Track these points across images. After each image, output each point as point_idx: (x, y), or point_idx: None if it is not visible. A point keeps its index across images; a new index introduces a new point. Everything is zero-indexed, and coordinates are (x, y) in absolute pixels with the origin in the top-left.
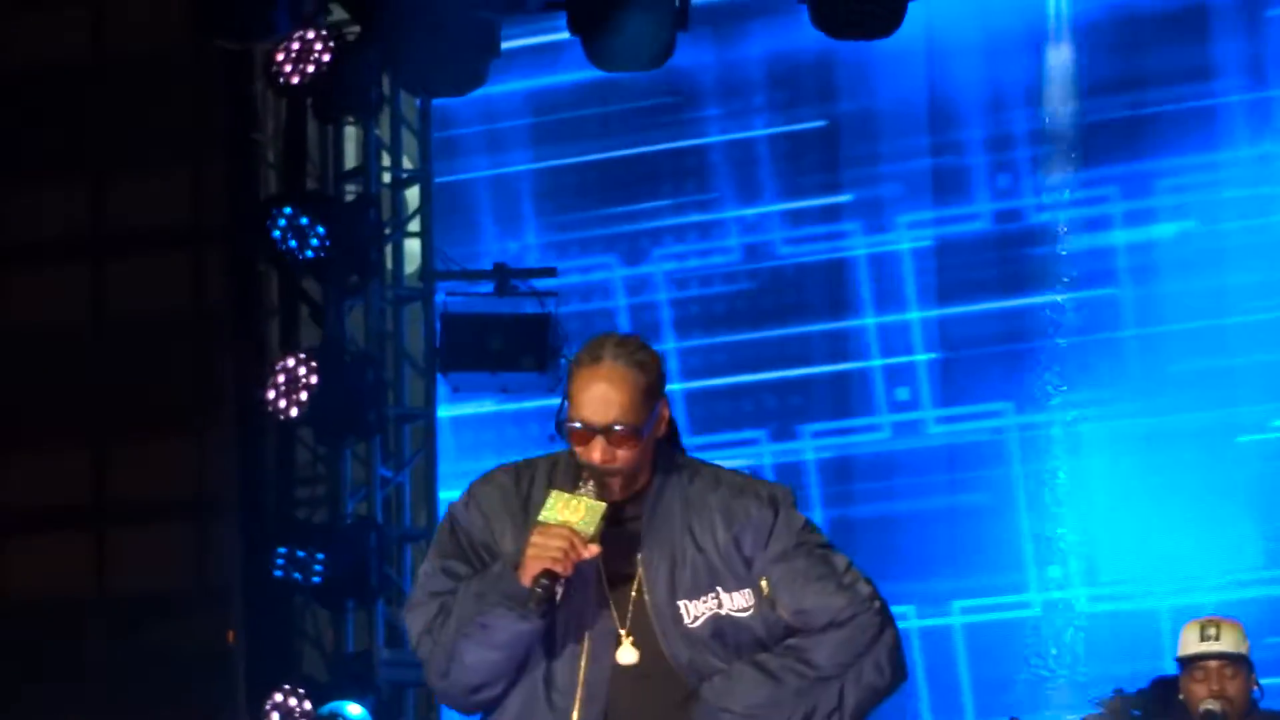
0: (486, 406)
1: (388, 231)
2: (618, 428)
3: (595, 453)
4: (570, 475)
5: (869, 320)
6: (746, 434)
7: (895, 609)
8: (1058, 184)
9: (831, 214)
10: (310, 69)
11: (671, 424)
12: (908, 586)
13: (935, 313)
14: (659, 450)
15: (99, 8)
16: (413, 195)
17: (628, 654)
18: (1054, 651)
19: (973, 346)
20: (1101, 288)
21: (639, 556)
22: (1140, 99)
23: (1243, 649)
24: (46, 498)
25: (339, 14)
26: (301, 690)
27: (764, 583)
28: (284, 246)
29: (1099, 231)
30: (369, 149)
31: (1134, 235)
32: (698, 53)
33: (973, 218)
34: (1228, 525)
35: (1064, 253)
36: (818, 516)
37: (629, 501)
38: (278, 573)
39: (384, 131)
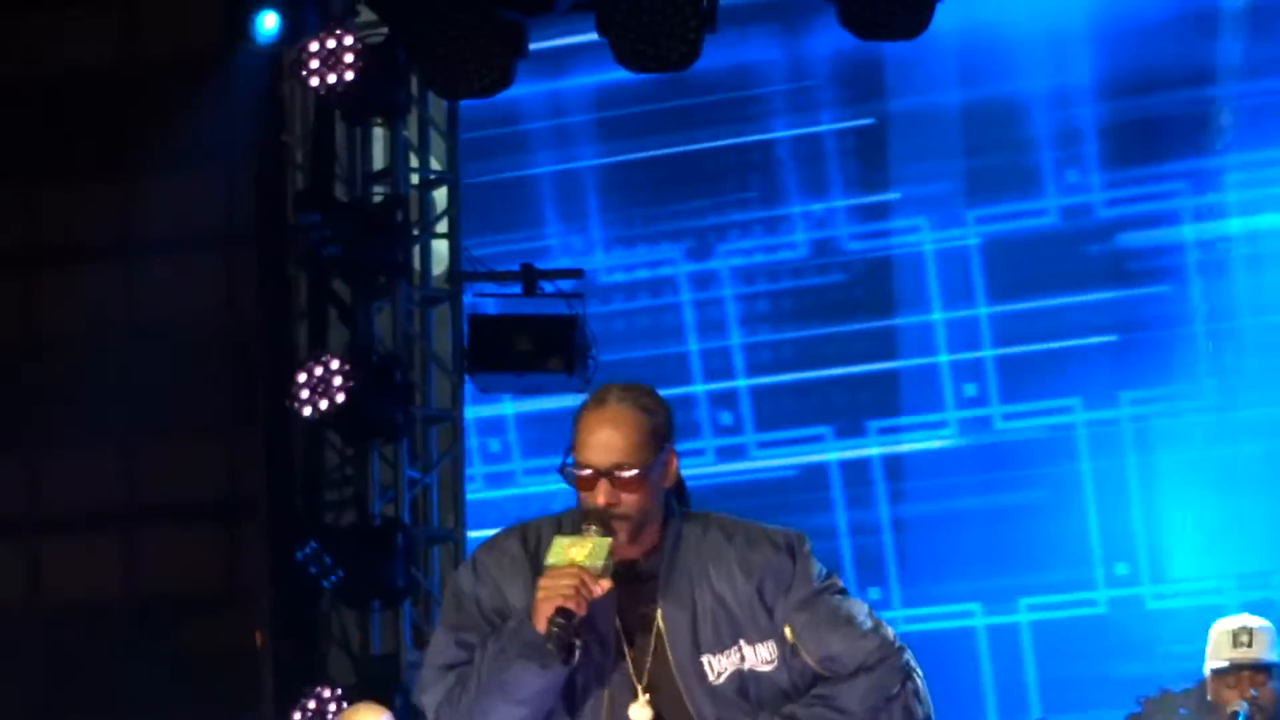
0: (512, 408)
1: (415, 233)
2: (622, 471)
3: (600, 496)
4: (576, 528)
5: (936, 316)
6: (812, 430)
7: (961, 607)
8: (1126, 179)
9: (899, 209)
10: (338, 71)
11: (679, 479)
12: (974, 584)
13: (1003, 308)
14: (669, 504)
15: (130, 11)
16: (440, 196)
17: (640, 713)
18: (1121, 650)
19: (1040, 342)
20: (1171, 283)
21: (657, 612)
22: (1209, 93)
23: (1274, 655)
24: (78, 499)
25: (367, 15)
26: (330, 694)
27: (788, 630)
28: (313, 249)
29: (1168, 226)
30: (396, 150)
31: (1203, 230)
32: (765, 48)
33: (1041, 213)
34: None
35: (1133, 247)
36: (882, 514)
37: (643, 557)
38: (305, 574)
39: (412, 133)
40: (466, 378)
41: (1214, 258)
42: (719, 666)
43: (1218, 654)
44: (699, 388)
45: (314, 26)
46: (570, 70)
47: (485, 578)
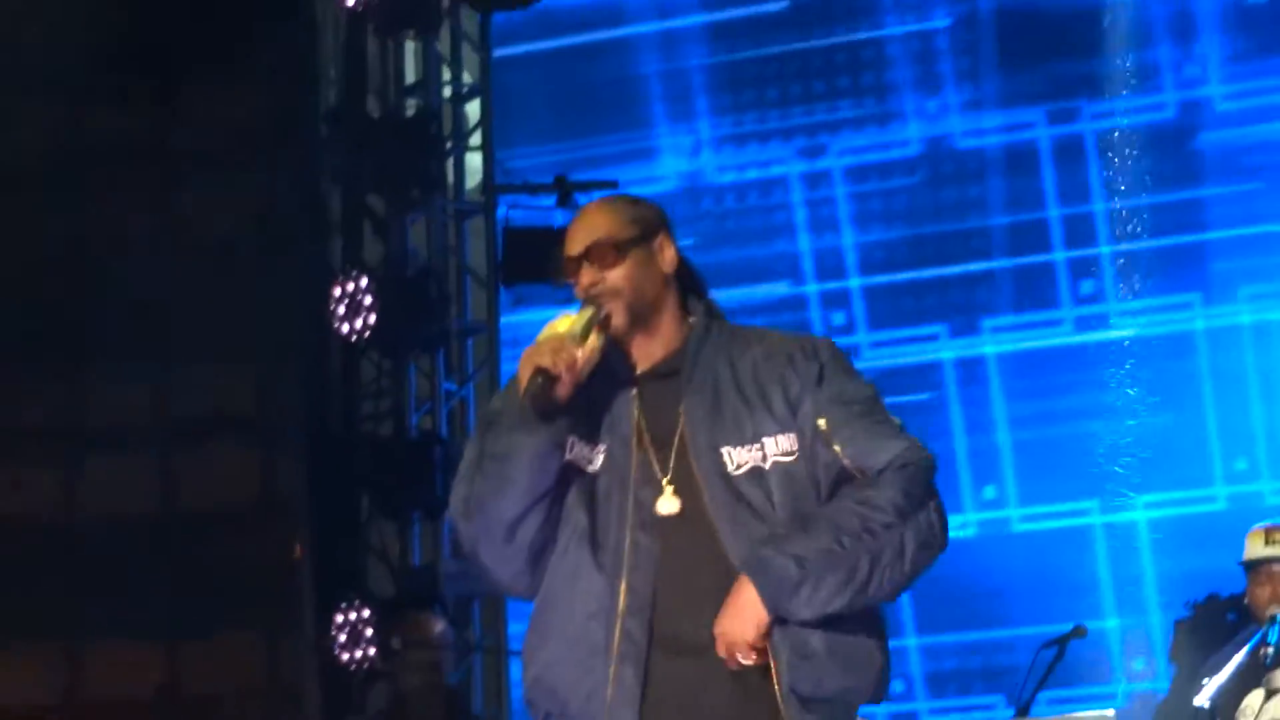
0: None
1: (449, 146)
2: (599, 246)
3: (584, 278)
4: None
5: (1052, 212)
6: (927, 329)
7: (1080, 504)
8: (1244, 73)
9: (1012, 103)
10: None
11: (698, 278)
12: (1091, 483)
13: (1120, 204)
14: (690, 303)
15: None
16: (473, 109)
17: (668, 504)
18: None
19: (1158, 237)
20: None
21: (680, 406)
22: None
23: None
24: (114, 418)
25: None
26: (366, 607)
27: (822, 421)
28: (346, 163)
29: None
30: (429, 64)
31: None
32: None
33: (1159, 108)
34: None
35: (1250, 141)
36: (1000, 412)
37: (668, 356)
38: (343, 487)
39: (444, 46)
40: (501, 289)
41: None
42: (738, 459)
43: (1249, 551)
44: (811, 288)
45: None
46: None
47: (509, 387)
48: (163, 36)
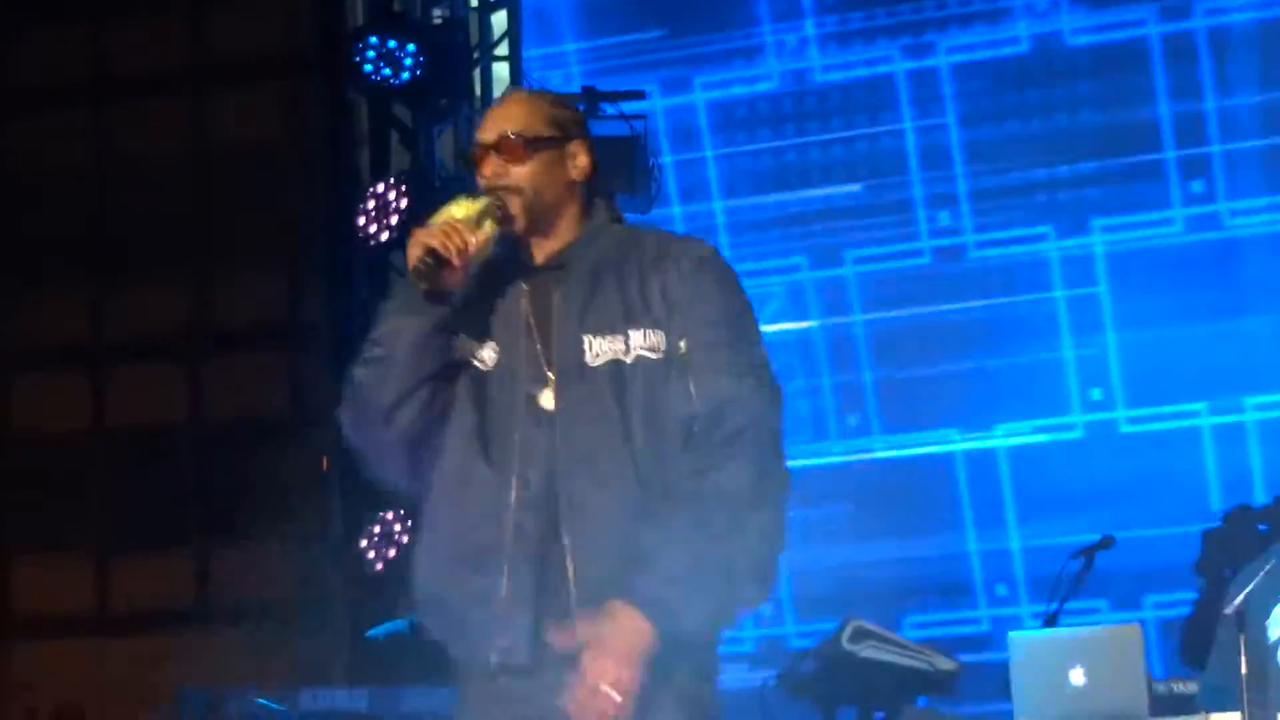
0: None
1: (476, 55)
2: (507, 135)
3: (487, 168)
4: None
5: (1163, 110)
6: (1035, 229)
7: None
8: None
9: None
10: None
11: (609, 195)
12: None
13: (1232, 102)
14: (590, 206)
15: None
16: (500, 19)
17: (547, 397)
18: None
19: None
20: None
21: (570, 293)
22: None
23: None
24: (145, 328)
25: None
26: (393, 516)
27: (684, 344)
28: (374, 74)
29: None
30: None
31: None
32: None
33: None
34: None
35: None
36: (1105, 311)
37: (562, 250)
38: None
39: None
40: None
41: None
42: (597, 348)
43: None
44: (918, 191)
45: None
46: None
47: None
48: None
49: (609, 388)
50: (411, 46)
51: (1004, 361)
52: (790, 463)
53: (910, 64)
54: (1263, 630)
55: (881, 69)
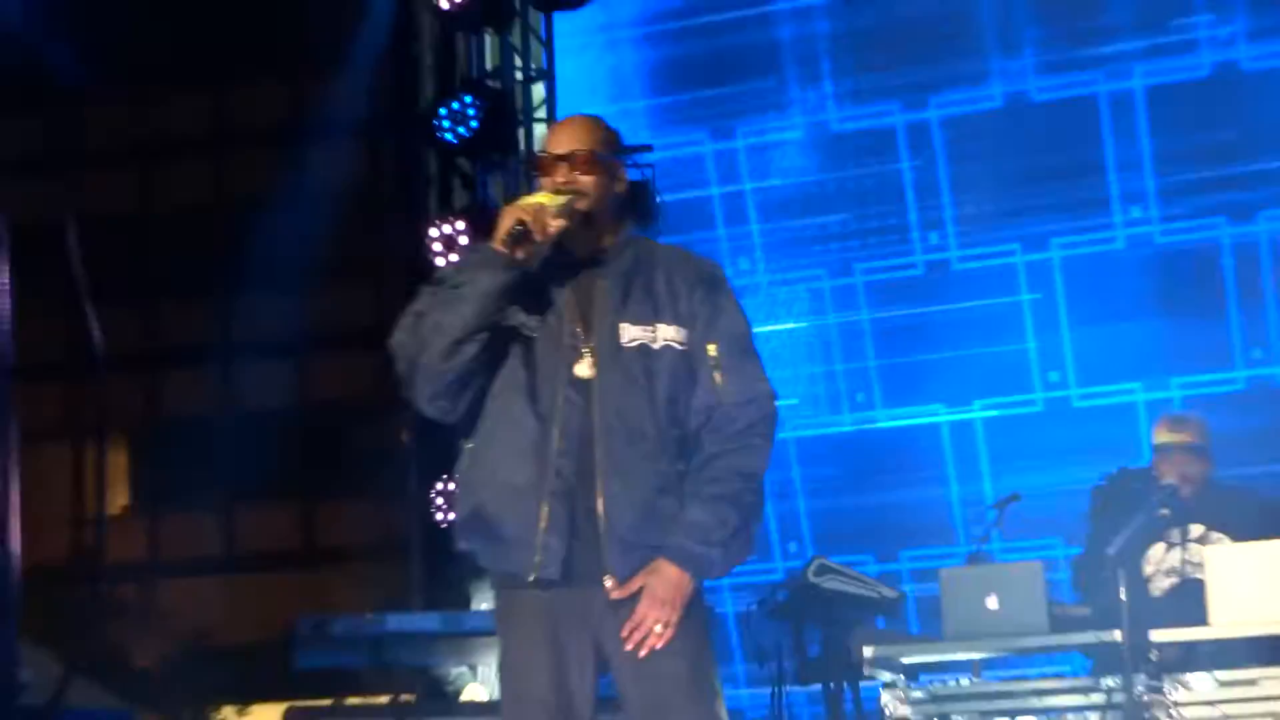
0: None
1: (520, 118)
2: (579, 150)
3: (559, 175)
4: None
5: (1108, 151)
6: (1006, 246)
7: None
8: None
9: (1069, 68)
10: None
11: (649, 208)
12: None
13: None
14: (626, 220)
15: None
16: (539, 90)
17: (584, 369)
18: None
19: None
20: None
21: (611, 284)
22: None
23: (1202, 440)
24: (262, 332)
25: None
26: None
27: (711, 348)
28: (442, 132)
29: None
30: (504, 54)
31: None
32: None
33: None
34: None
35: None
36: (1060, 311)
37: (603, 251)
38: None
39: (516, 39)
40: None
41: None
42: (630, 334)
43: (1157, 436)
44: (912, 215)
45: None
46: None
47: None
48: (298, 36)
49: (638, 364)
50: (471, 111)
51: (980, 350)
52: (810, 432)
53: (907, 117)
54: (1138, 567)
55: (885, 121)
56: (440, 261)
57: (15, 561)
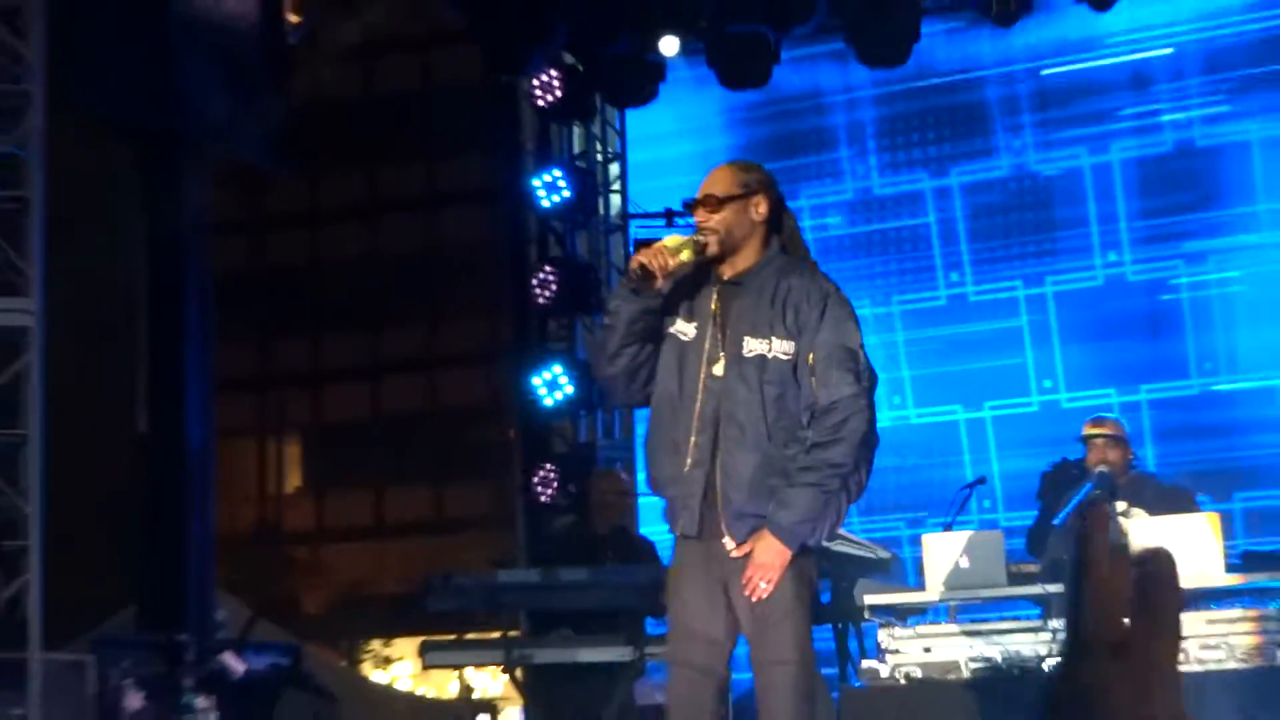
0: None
1: (600, 191)
2: (708, 196)
3: (697, 215)
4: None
5: (1090, 210)
6: (1009, 281)
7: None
8: None
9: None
10: (551, 94)
11: (795, 232)
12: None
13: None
14: (769, 244)
15: (426, 55)
16: (615, 168)
17: (719, 369)
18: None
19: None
20: None
21: (740, 304)
22: None
23: (1118, 433)
24: (402, 354)
25: (569, 58)
26: (553, 467)
27: (811, 356)
28: (541, 199)
29: None
30: (588, 140)
31: None
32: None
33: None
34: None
35: None
36: (1053, 332)
37: (743, 273)
38: (541, 396)
39: (597, 128)
40: None
41: None
42: (750, 345)
43: (1085, 431)
44: (938, 258)
45: (539, 65)
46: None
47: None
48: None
49: (755, 371)
50: (563, 184)
51: (989, 364)
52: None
53: (934, 183)
54: (1077, 535)
55: (916, 186)
56: (539, 298)
57: (213, 529)
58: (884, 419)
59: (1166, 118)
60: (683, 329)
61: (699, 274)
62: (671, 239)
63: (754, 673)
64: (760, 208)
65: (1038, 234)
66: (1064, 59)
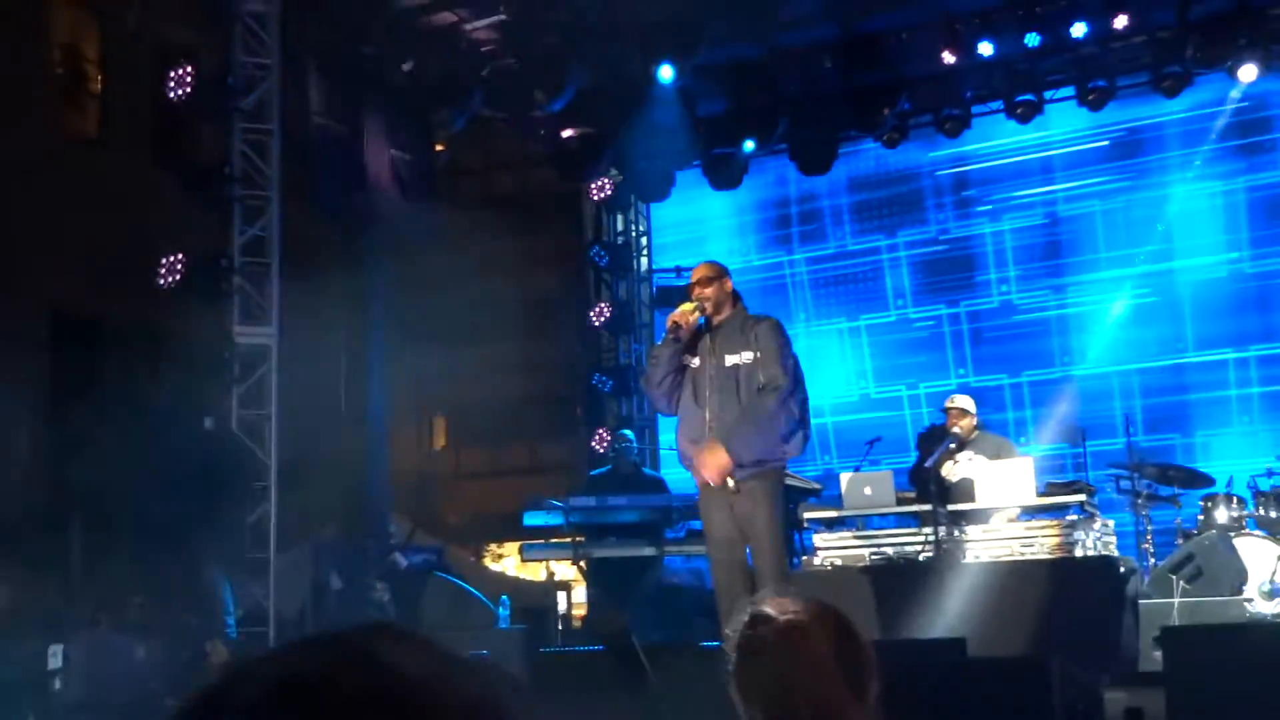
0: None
1: (634, 254)
2: (702, 277)
3: (695, 291)
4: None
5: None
6: (946, 307)
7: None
8: None
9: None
10: (604, 194)
11: (738, 295)
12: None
13: None
14: (734, 306)
15: (524, 171)
16: (644, 241)
17: (715, 377)
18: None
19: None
20: None
21: (722, 339)
22: None
23: (967, 405)
24: (504, 361)
25: (614, 172)
26: (605, 431)
27: (763, 355)
28: (597, 259)
29: None
30: (628, 223)
31: None
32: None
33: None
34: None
35: None
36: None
37: (723, 319)
38: (598, 386)
39: (631, 214)
40: (656, 310)
41: None
42: (731, 360)
43: (947, 403)
44: (910, 312)
45: (595, 175)
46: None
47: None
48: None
49: (734, 375)
50: (606, 252)
51: (923, 358)
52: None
53: (887, 241)
54: (940, 476)
55: (875, 243)
56: (597, 323)
57: (387, 472)
58: (852, 393)
59: (1039, 198)
60: (691, 362)
61: (697, 334)
62: (686, 305)
63: (752, 554)
64: (727, 285)
65: (954, 274)
66: (976, 160)
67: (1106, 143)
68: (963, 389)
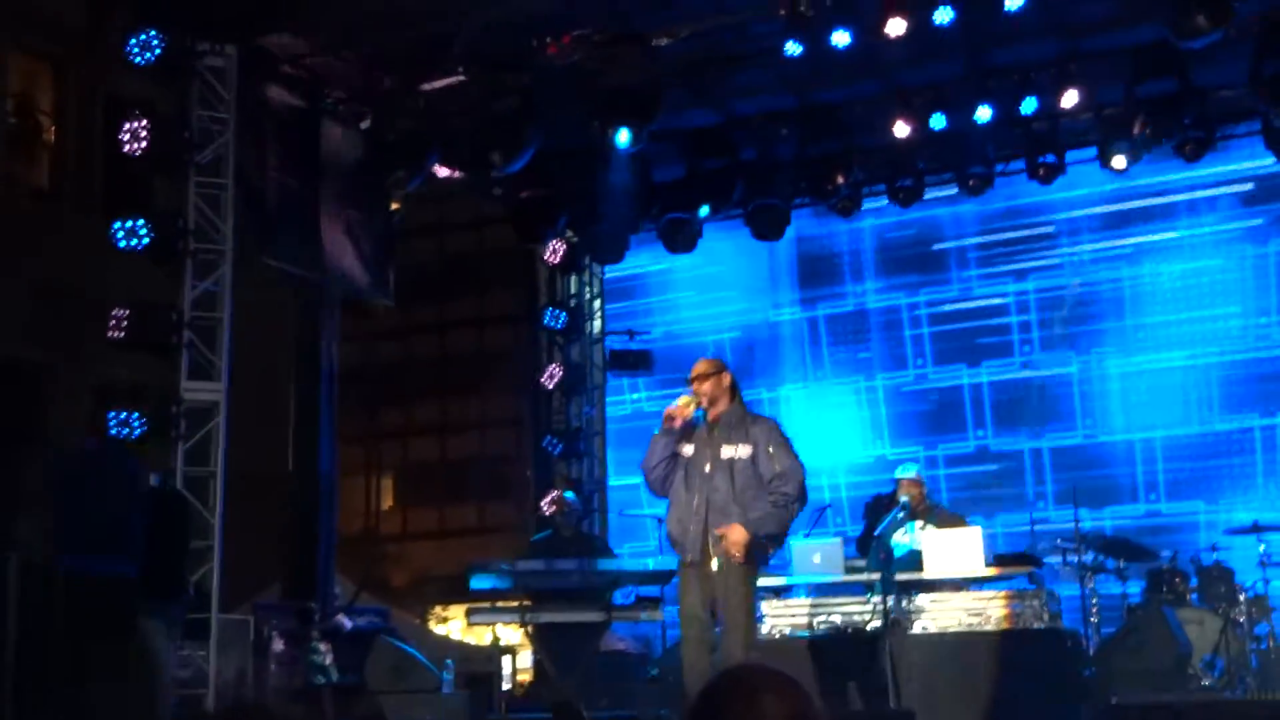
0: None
1: (587, 316)
2: (699, 374)
3: (694, 386)
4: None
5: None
6: (956, 369)
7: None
8: None
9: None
10: (558, 256)
11: (737, 390)
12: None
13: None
14: (731, 401)
15: (479, 230)
16: (597, 304)
17: (709, 469)
18: None
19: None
20: None
21: (719, 431)
22: None
23: (918, 478)
24: (454, 421)
25: (569, 234)
26: (555, 493)
27: (770, 449)
28: (550, 322)
29: None
30: (580, 285)
31: None
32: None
33: None
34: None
35: None
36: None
37: (722, 414)
38: (549, 449)
39: (586, 277)
40: (608, 373)
41: None
42: (727, 452)
43: (896, 473)
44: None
45: (550, 236)
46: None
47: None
48: (477, 276)
49: (727, 468)
50: (563, 314)
51: (941, 416)
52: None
53: (908, 300)
54: (889, 542)
55: (897, 303)
56: (548, 385)
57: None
58: (871, 454)
59: (1065, 260)
60: (685, 450)
61: (689, 424)
62: (683, 398)
63: (722, 630)
64: (725, 380)
65: (975, 339)
66: (996, 224)
67: (1136, 204)
68: (980, 450)
